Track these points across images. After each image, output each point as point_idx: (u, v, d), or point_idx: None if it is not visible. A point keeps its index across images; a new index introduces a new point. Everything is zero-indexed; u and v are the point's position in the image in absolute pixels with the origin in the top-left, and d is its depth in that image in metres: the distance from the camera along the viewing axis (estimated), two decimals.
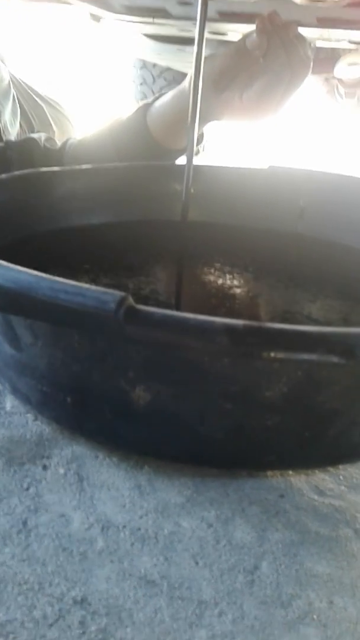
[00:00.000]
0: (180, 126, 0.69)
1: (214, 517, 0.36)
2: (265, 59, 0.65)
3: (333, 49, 1.40)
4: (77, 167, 0.66)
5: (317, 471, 0.41)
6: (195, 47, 0.47)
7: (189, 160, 0.48)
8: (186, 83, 0.70)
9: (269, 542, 0.35)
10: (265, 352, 0.34)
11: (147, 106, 0.74)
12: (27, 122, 1.22)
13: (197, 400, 0.38)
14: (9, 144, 0.79)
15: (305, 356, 0.34)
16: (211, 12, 0.92)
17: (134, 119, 0.74)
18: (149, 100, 0.75)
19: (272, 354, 0.34)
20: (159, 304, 0.52)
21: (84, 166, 0.67)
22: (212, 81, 0.67)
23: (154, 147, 0.73)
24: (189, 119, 0.48)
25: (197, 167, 0.69)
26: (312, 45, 1.07)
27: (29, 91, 1.27)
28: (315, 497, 0.38)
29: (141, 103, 0.76)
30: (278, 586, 0.32)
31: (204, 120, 0.72)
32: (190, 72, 0.54)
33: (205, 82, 0.67)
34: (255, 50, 0.64)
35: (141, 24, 1.07)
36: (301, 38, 0.66)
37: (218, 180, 0.68)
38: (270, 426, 0.37)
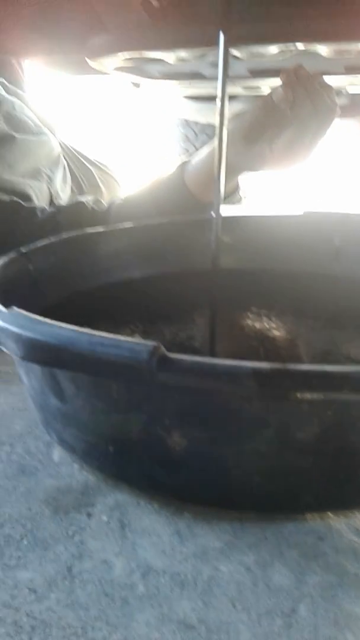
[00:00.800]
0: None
1: (253, 561, 0.37)
2: (292, 110, 0.67)
3: None
4: (120, 226, 0.70)
5: (356, 512, 0.40)
6: (217, 103, 0.50)
7: (217, 209, 0.51)
8: (217, 140, 0.73)
9: (307, 585, 0.35)
10: (292, 393, 0.34)
11: (184, 164, 0.78)
12: (77, 185, 1.29)
13: (232, 444, 0.38)
14: (59, 208, 0.85)
15: (332, 395, 0.34)
16: (242, 70, 0.97)
17: (172, 177, 0.78)
18: (187, 158, 0.79)
19: (299, 395, 0.34)
20: (196, 351, 0.53)
21: (126, 225, 0.70)
22: (242, 135, 0.70)
23: (192, 202, 0.76)
24: (215, 170, 0.51)
25: (233, 217, 0.72)
26: (344, 91, 1.09)
27: (78, 156, 1.35)
28: (355, 539, 0.38)
29: (179, 161, 0.80)
30: (316, 628, 0.32)
31: (237, 172, 0.75)
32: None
33: (236, 137, 0.70)
34: (282, 103, 0.67)
35: (179, 87, 1.13)
36: (326, 86, 0.69)
37: (253, 229, 0.70)
38: (305, 468, 0.38)
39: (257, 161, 0.73)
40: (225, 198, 0.79)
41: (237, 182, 0.84)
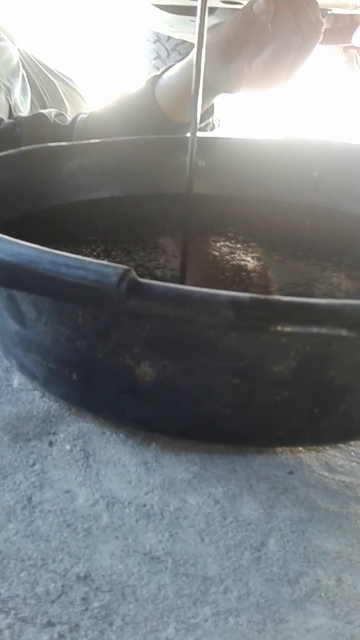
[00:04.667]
0: (189, 99, 0.67)
1: (221, 494, 0.36)
2: (274, 24, 0.62)
3: (351, 17, 1.35)
4: (86, 141, 0.66)
5: (327, 447, 0.40)
6: (197, 13, 0.46)
7: (193, 131, 0.47)
8: (194, 54, 0.68)
9: (277, 519, 0.34)
10: (273, 326, 0.33)
11: (155, 79, 0.73)
12: (39, 98, 1.21)
13: (204, 375, 0.37)
14: (18, 120, 0.79)
15: (314, 329, 0.33)
16: None
17: (142, 92, 0.73)
18: (158, 72, 0.74)
19: (280, 328, 0.33)
20: (166, 278, 0.51)
21: (93, 141, 0.66)
22: (219, 51, 0.65)
23: (162, 120, 0.71)
24: (192, 90, 0.47)
25: (208, 139, 0.68)
26: (328, 12, 1.04)
27: (41, 67, 1.26)
28: (326, 473, 0.38)
29: (150, 76, 0.74)
30: (285, 563, 0.31)
31: (212, 92, 0.70)
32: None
33: (212, 53, 0.65)
34: (263, 15, 0.62)
35: None
36: (311, 1, 0.63)
37: (230, 153, 0.66)
38: (279, 402, 0.36)
39: (234, 81, 0.67)
40: (202, 120, 0.74)
41: (213, 106, 0.78)
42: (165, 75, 0.72)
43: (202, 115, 0.74)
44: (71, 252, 0.34)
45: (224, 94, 0.72)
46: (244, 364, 0.36)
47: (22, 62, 1.15)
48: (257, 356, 0.35)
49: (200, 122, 0.76)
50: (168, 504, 0.35)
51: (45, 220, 0.57)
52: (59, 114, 0.82)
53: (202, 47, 0.48)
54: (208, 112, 0.78)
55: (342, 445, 0.40)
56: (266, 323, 0.33)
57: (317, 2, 0.66)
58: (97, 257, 0.55)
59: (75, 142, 0.66)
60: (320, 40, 0.65)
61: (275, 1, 0.62)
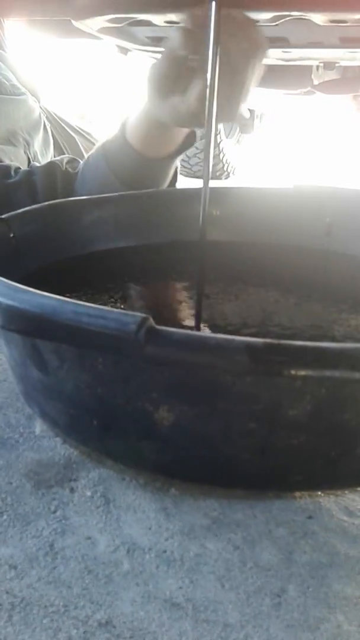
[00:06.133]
0: (154, 132, 0.68)
1: (241, 539, 0.36)
2: (200, 56, 0.55)
3: None
4: (104, 195, 0.68)
5: (346, 491, 0.40)
6: (207, 69, 0.48)
7: (205, 181, 0.49)
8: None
9: (297, 565, 0.34)
10: (287, 370, 0.33)
11: (125, 120, 0.73)
12: (59, 152, 1.26)
13: (221, 420, 0.37)
14: (33, 168, 0.82)
15: (327, 373, 0.33)
16: None
17: (116, 134, 0.74)
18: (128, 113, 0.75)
19: (294, 372, 0.33)
20: (183, 323, 0.52)
21: (111, 194, 0.68)
22: (154, 89, 0.62)
23: (137, 158, 0.71)
24: (205, 141, 0.49)
25: (222, 189, 0.70)
26: (336, 65, 1.07)
27: (62, 123, 1.32)
28: (345, 518, 0.38)
29: (123, 118, 0.75)
30: (305, 609, 0.31)
31: (165, 125, 0.67)
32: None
33: (150, 90, 0.63)
34: (182, 50, 0.57)
35: None
36: (243, 24, 0.57)
37: (244, 201, 0.68)
38: (296, 446, 0.37)
39: (173, 116, 0.64)
40: (181, 150, 0.75)
41: (194, 134, 0.76)
42: (132, 116, 0.73)
43: (182, 145, 0.73)
44: (91, 300, 0.36)
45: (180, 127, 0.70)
46: (260, 407, 0.36)
47: (44, 118, 1.20)
48: (272, 400, 0.36)
49: (181, 152, 0.73)
50: (188, 549, 0.35)
51: (65, 271, 0.59)
52: (71, 160, 0.85)
53: (213, 99, 0.51)
54: (190, 139, 0.76)
55: None
56: (280, 367, 0.33)
57: (250, 22, 0.58)
58: (115, 303, 0.56)
59: (95, 196, 0.69)
60: (256, 65, 0.59)
61: (195, 35, 0.56)
